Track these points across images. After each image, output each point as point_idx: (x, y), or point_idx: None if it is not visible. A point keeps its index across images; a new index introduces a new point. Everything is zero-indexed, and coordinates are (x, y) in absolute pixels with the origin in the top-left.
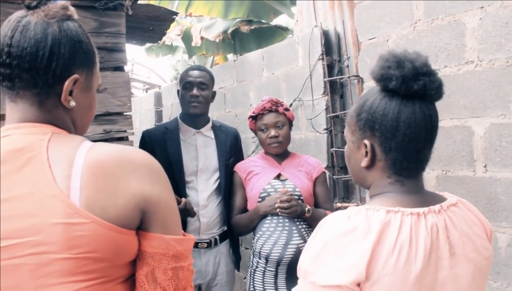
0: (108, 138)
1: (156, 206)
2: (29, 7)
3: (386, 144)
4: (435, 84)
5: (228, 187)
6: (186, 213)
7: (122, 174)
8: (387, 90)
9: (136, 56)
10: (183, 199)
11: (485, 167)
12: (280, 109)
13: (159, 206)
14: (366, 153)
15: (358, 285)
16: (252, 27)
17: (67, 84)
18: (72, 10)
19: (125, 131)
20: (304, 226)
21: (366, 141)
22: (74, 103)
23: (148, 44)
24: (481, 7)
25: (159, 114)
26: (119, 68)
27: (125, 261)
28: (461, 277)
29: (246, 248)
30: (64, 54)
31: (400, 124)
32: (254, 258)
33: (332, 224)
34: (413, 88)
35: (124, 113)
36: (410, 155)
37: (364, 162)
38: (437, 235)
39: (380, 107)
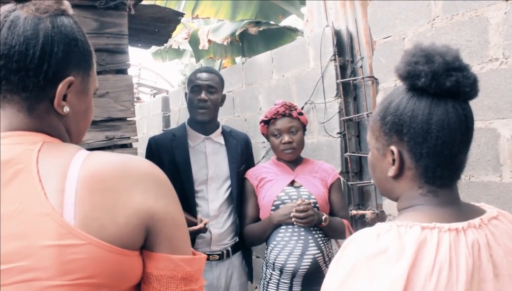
0: (111, 145)
1: (162, 223)
2: (18, 0)
3: (417, 150)
4: (469, 80)
5: (240, 195)
6: (199, 231)
7: (122, 187)
8: (415, 89)
9: (143, 61)
10: (203, 219)
11: None
12: (294, 113)
13: (165, 223)
14: (393, 160)
15: None
16: (261, 28)
17: (61, 87)
18: (67, 4)
19: (128, 138)
20: (320, 235)
21: (393, 148)
22: (68, 109)
23: (154, 48)
24: (506, 0)
25: (166, 119)
26: (122, 71)
27: (128, 286)
28: None
29: (257, 257)
30: (58, 54)
31: (431, 126)
32: (268, 270)
33: (359, 243)
34: (445, 85)
35: (128, 119)
36: (444, 161)
37: (392, 171)
38: (478, 254)
39: (408, 109)
